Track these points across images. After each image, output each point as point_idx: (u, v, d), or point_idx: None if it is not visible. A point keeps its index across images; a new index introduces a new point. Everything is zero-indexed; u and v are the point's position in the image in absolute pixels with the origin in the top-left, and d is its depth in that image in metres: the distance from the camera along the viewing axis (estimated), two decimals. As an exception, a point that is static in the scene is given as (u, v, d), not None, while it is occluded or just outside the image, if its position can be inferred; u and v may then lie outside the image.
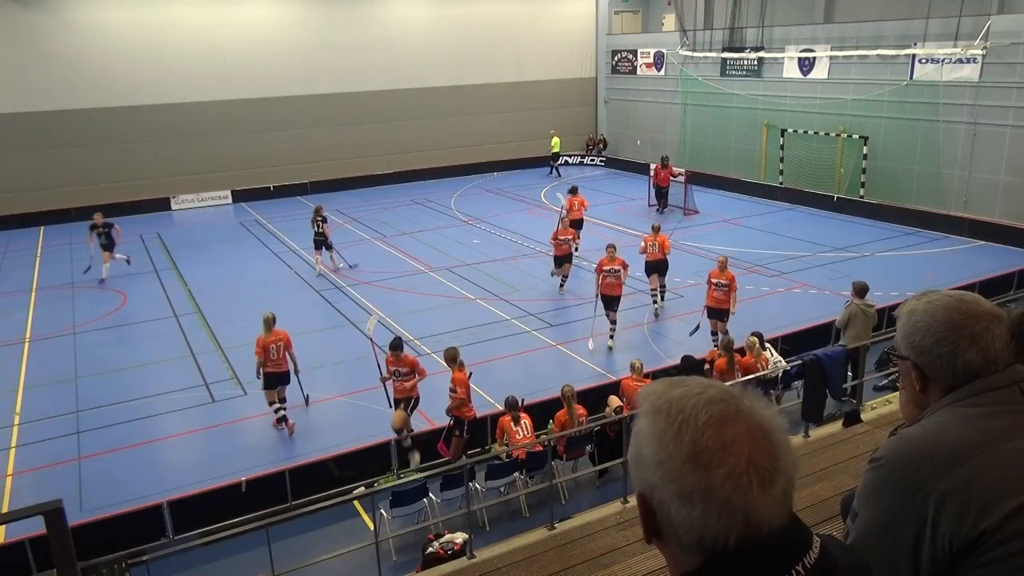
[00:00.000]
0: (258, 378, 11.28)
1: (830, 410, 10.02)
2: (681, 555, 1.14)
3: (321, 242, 18.71)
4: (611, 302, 14.08)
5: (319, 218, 18.54)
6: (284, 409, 11.37)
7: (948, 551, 1.55)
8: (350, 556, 7.97)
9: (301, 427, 11.57)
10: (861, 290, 11.32)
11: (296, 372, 11.43)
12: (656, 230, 16.12)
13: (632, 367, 10.55)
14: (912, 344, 1.78)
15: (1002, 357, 1.73)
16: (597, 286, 14.21)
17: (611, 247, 14.32)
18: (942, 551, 1.55)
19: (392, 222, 24.24)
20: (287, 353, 11.26)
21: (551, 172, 31.48)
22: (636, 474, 1.17)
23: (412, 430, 10.53)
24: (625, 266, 14.17)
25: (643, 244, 15.91)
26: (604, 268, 14.06)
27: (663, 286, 15.92)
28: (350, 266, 19.19)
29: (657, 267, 15.79)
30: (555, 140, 31.15)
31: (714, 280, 13.50)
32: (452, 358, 10.16)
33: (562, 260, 17.11)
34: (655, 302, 15.83)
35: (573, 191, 20.19)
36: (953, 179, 21.19)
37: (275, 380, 11.22)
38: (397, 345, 10.65)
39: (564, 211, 18.19)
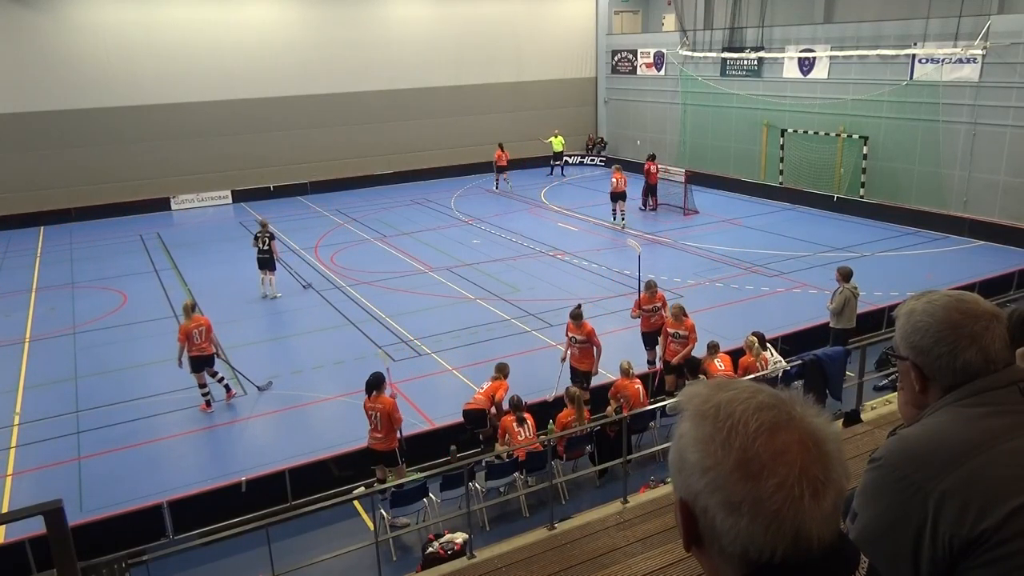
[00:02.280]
0: (180, 366, 11.87)
1: (830, 410, 10.02)
2: (722, 564, 1.09)
3: (267, 261, 16.68)
4: (582, 377, 11.26)
5: (266, 235, 16.56)
6: (219, 383, 12.25)
7: (948, 551, 1.54)
8: (350, 556, 7.96)
9: (301, 427, 11.58)
10: (848, 274, 11.92)
11: (219, 354, 12.14)
12: (619, 169, 22.95)
13: (621, 368, 10.55)
14: (911, 344, 1.78)
15: (1002, 357, 1.73)
16: (564, 353, 11.59)
17: (577, 312, 11.41)
18: (942, 551, 1.55)
19: (392, 222, 24.24)
20: (210, 337, 11.97)
21: (551, 172, 31.43)
22: (678, 479, 1.12)
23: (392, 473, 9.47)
24: (595, 341, 11.15)
25: (613, 181, 22.53)
26: (569, 335, 11.43)
27: (623, 210, 22.65)
28: (305, 286, 17.62)
29: (621, 196, 22.51)
30: (558, 139, 31.07)
31: (671, 331, 11.54)
32: (501, 370, 10.30)
33: (654, 338, 12.46)
34: (622, 219, 22.64)
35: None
36: (953, 179, 21.19)
37: (201, 363, 11.94)
38: (375, 383, 9.26)
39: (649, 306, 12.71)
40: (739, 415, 1.07)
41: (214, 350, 12.04)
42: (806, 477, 1.04)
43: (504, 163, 28.62)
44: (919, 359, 1.77)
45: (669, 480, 1.27)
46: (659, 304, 12.35)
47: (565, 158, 33.02)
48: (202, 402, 12.05)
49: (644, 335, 12.62)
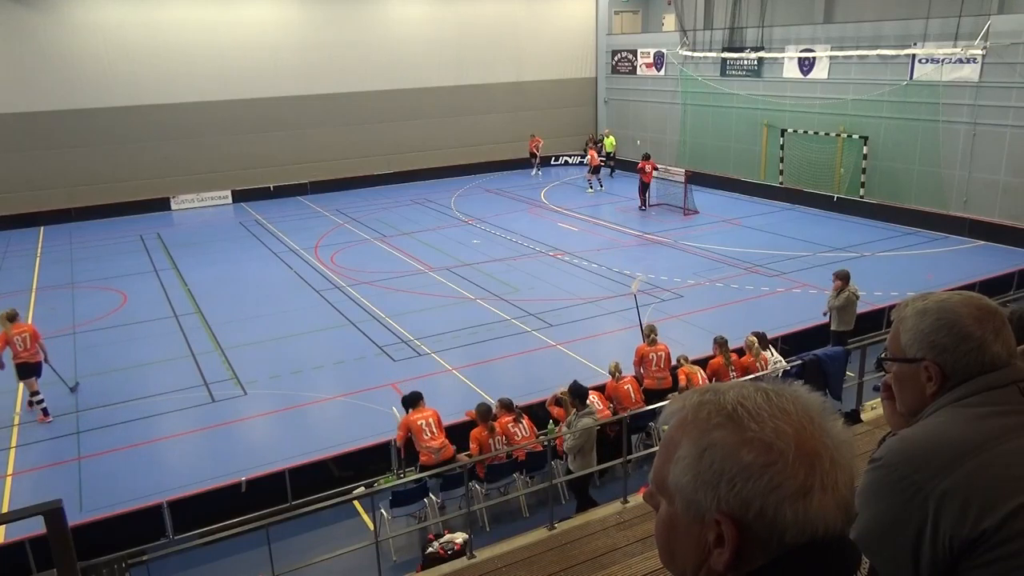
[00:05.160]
0: (1, 367, 11.62)
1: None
2: (759, 556, 1.05)
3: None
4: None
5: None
6: (43, 401, 11.99)
7: (948, 551, 1.54)
8: (350, 556, 7.96)
9: (301, 427, 11.58)
10: (847, 276, 11.84)
11: (46, 360, 12.09)
12: (593, 147, 29.65)
13: (609, 371, 10.50)
14: (932, 343, 1.75)
15: (1015, 352, 1.73)
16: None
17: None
18: (942, 551, 1.55)
19: (392, 222, 24.24)
20: (37, 344, 11.92)
21: (612, 173, 31.45)
22: (708, 496, 1.05)
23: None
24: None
25: (589, 156, 28.51)
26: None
27: (599, 178, 28.50)
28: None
29: (596, 170, 28.09)
30: (610, 140, 31.63)
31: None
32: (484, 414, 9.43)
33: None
34: (599, 186, 28.40)
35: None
36: (953, 179, 21.19)
37: (28, 370, 11.84)
38: (415, 400, 9.55)
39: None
40: (768, 406, 1.07)
41: (41, 358, 11.96)
42: (836, 443, 1.07)
43: (535, 151, 31.55)
44: (941, 357, 1.74)
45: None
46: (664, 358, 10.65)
47: (564, 158, 33.13)
48: (39, 412, 11.91)
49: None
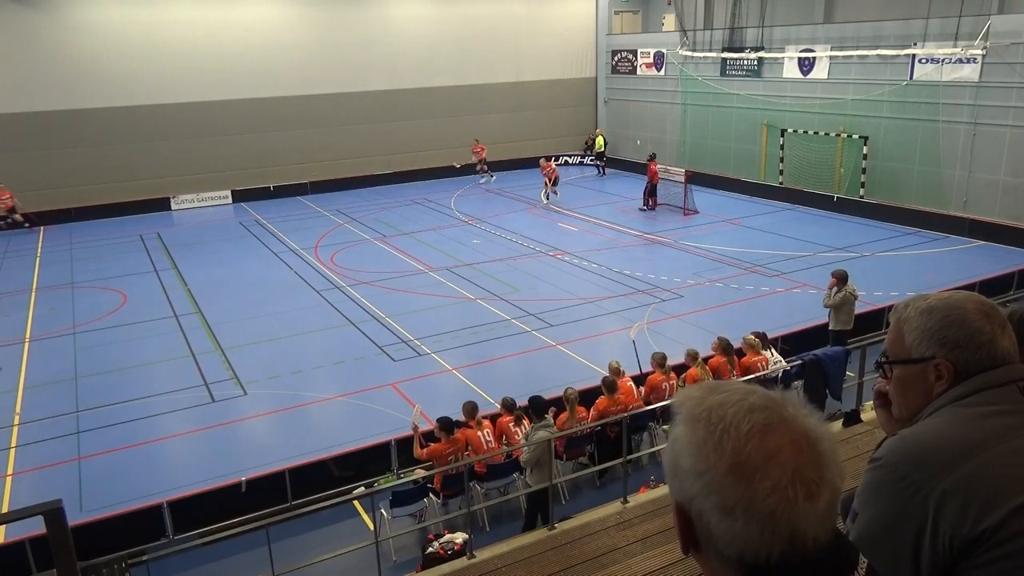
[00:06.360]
0: None
1: (830, 410, 10.04)
2: (720, 567, 1.09)
3: None
4: None
5: None
6: None
7: (948, 551, 1.54)
8: (350, 556, 7.97)
9: (301, 427, 11.58)
10: (845, 277, 11.95)
11: None
12: (545, 163, 26.87)
13: (610, 368, 10.51)
14: (944, 339, 1.73)
15: (1017, 348, 1.73)
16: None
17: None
18: (942, 551, 1.55)
19: (392, 222, 24.24)
20: None
21: (599, 173, 31.44)
22: (673, 483, 1.13)
23: None
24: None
25: (546, 166, 26.51)
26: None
27: (555, 191, 26.43)
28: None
29: (556, 181, 26.50)
30: (600, 139, 31.64)
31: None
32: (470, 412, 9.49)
33: None
34: (548, 196, 26.29)
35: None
36: (953, 179, 21.19)
37: None
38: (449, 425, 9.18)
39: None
40: (731, 418, 1.07)
41: None
42: (800, 478, 1.04)
43: (482, 156, 30.19)
44: (953, 354, 1.72)
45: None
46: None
47: (564, 158, 33.12)
48: None
49: None
